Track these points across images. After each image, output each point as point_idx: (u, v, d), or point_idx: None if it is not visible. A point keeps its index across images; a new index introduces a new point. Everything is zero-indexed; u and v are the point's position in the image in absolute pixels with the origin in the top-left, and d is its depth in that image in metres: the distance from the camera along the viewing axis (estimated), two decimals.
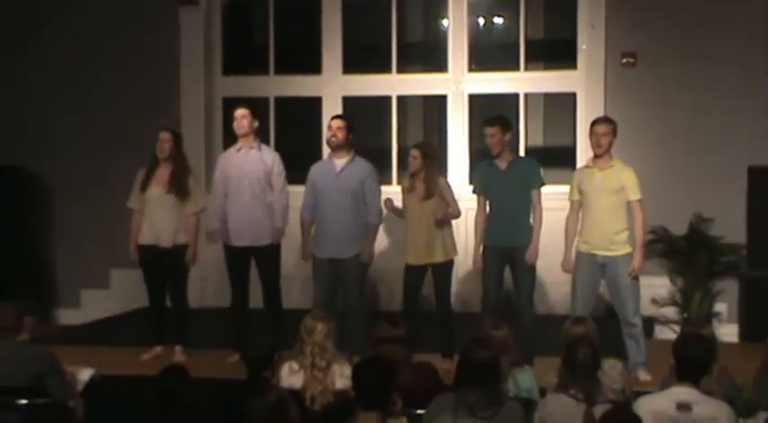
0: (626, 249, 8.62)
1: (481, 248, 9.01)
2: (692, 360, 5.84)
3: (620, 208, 8.64)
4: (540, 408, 5.98)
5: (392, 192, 10.43)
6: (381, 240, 9.30)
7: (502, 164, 8.96)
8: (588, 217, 8.69)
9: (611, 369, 6.35)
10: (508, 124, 9.08)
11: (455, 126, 11.55)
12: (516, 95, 11.39)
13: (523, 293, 8.95)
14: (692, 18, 10.71)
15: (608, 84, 10.94)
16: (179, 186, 9.30)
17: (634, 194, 8.65)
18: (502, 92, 11.50)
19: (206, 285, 11.17)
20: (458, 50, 11.52)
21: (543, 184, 9.00)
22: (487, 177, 9.03)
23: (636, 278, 8.62)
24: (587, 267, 8.67)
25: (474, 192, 9.19)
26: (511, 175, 8.94)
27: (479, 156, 11.07)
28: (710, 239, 10.47)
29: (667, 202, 10.33)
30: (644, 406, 5.75)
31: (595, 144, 8.63)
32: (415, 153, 9.09)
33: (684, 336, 6.38)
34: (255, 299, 9.49)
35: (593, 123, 8.73)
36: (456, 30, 11.52)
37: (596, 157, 8.68)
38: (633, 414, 5.36)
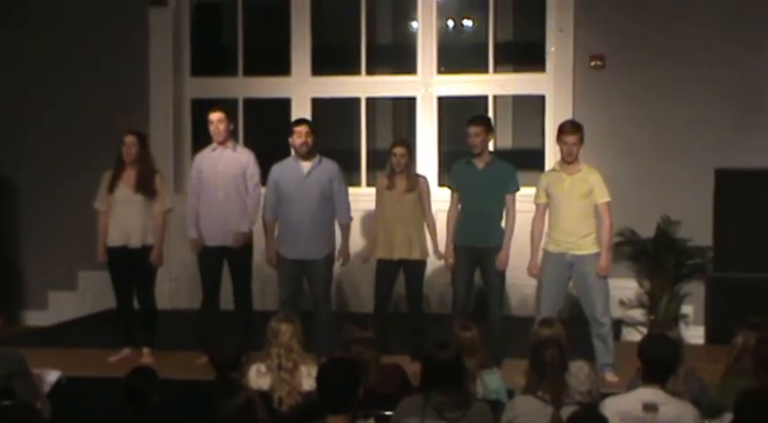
0: (594, 249, 8.67)
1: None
2: (658, 361, 5.86)
3: (588, 211, 8.70)
4: (508, 409, 5.97)
5: (361, 193, 10.49)
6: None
7: (479, 164, 8.99)
8: (556, 220, 8.73)
9: (578, 371, 6.38)
10: (491, 125, 9.17)
11: (424, 128, 11.57)
12: (485, 98, 11.41)
13: (493, 295, 8.99)
14: (661, 21, 10.76)
15: (576, 86, 10.97)
16: (146, 186, 9.28)
17: (602, 197, 8.70)
18: (471, 94, 11.52)
19: (178, 287, 11.15)
20: (427, 53, 11.54)
21: (518, 189, 9.04)
22: (463, 175, 9.07)
23: (605, 278, 8.66)
24: (555, 267, 8.71)
25: (448, 187, 9.22)
26: (487, 175, 8.97)
27: (449, 157, 11.13)
28: (678, 242, 10.52)
29: (635, 205, 10.38)
30: (611, 407, 5.76)
31: (567, 153, 8.65)
32: (401, 151, 9.16)
33: (650, 337, 6.40)
34: (228, 300, 9.48)
35: (562, 132, 8.71)
36: (425, 32, 11.54)
37: (565, 162, 8.71)
38: (600, 415, 5.37)
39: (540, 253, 8.83)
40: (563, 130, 8.73)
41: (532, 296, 9.12)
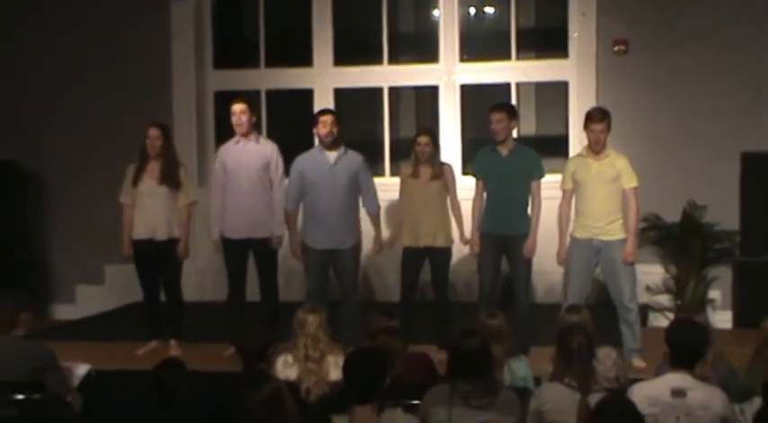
0: (621, 235, 8.65)
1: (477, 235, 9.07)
2: (686, 346, 5.85)
3: (615, 196, 8.67)
4: (536, 396, 5.97)
5: (385, 182, 10.50)
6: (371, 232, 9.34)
7: (504, 150, 8.99)
8: (584, 205, 8.71)
9: (605, 357, 6.37)
10: (514, 112, 9.17)
11: (447, 116, 11.57)
12: (508, 85, 11.40)
13: (519, 282, 8.99)
14: (682, 5, 10.74)
15: (600, 72, 10.95)
16: (171, 178, 9.30)
17: (629, 182, 8.68)
18: (493, 82, 11.50)
19: (204, 279, 11.16)
20: (449, 41, 11.53)
21: (543, 176, 9.02)
22: (488, 163, 9.07)
23: (632, 264, 8.64)
24: (583, 253, 8.69)
25: (473, 175, 9.22)
26: (512, 162, 8.96)
27: (472, 145, 11.12)
28: (704, 226, 10.49)
29: (661, 190, 10.35)
30: (639, 393, 5.75)
31: (594, 141, 8.62)
32: (425, 140, 9.17)
33: (677, 322, 6.39)
34: (254, 292, 9.49)
35: (590, 119, 8.66)
36: (447, 20, 11.54)
37: (592, 149, 8.69)
38: (628, 401, 5.33)
39: (567, 239, 8.81)
40: (591, 117, 8.69)
41: (559, 283, 9.10)
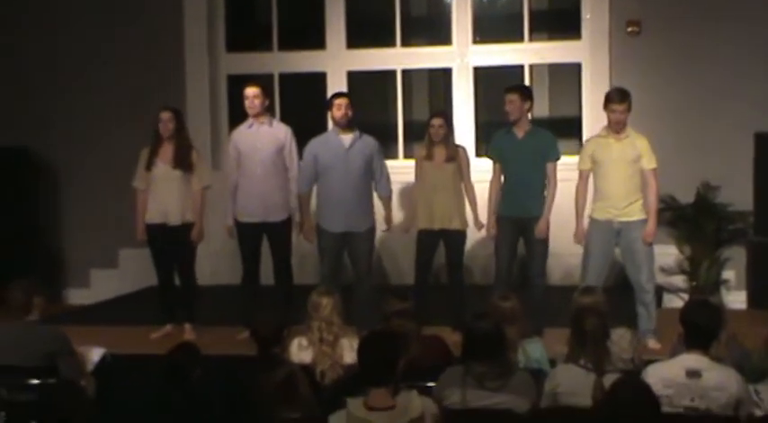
0: (641, 215, 8.66)
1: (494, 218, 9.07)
2: (700, 327, 5.84)
3: (635, 176, 8.68)
4: (551, 378, 5.98)
5: (399, 165, 10.51)
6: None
7: (519, 132, 8.99)
8: (604, 186, 8.69)
9: (620, 338, 6.39)
10: (528, 93, 9.15)
11: (461, 99, 11.55)
12: (521, 67, 11.38)
13: (535, 264, 9.01)
14: None
15: (613, 53, 10.92)
16: (184, 161, 9.32)
17: (649, 163, 8.68)
18: (507, 64, 11.48)
19: (218, 262, 11.17)
20: (462, 23, 11.51)
21: (559, 158, 9.02)
22: (504, 145, 9.07)
23: (650, 245, 8.64)
24: (602, 235, 8.68)
25: (490, 157, 9.22)
26: (527, 144, 8.96)
27: (485, 128, 11.12)
28: (718, 207, 10.47)
29: (674, 171, 10.31)
30: (654, 374, 5.75)
31: (615, 121, 8.60)
32: (438, 122, 9.19)
33: (692, 303, 6.40)
34: (268, 275, 9.51)
35: (610, 100, 8.64)
36: (459, 2, 11.51)
37: (612, 130, 8.67)
38: (643, 382, 5.34)
39: (586, 220, 8.80)
40: (611, 98, 8.67)
41: (576, 266, 9.09)
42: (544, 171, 8.97)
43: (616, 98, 8.64)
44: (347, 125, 9.07)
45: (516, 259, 9.15)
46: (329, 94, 10.06)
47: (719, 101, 10.65)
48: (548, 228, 8.93)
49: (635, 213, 8.65)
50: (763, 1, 10.56)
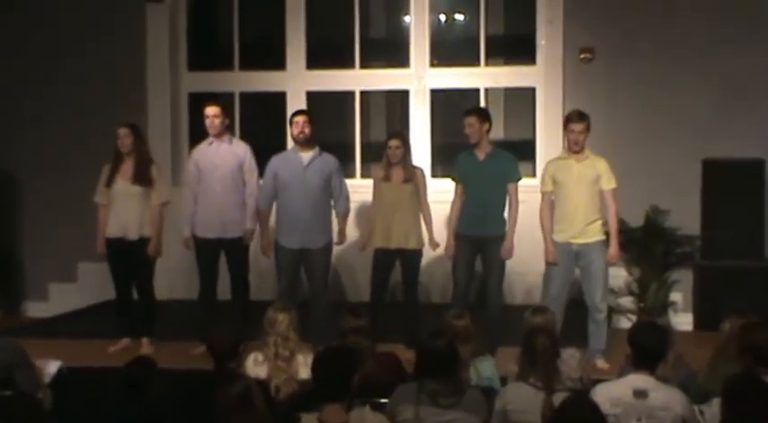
0: (599, 236, 8.82)
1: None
2: (648, 348, 5.93)
3: (595, 198, 8.83)
4: (501, 396, 6.03)
5: (356, 184, 10.60)
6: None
7: (480, 154, 9.13)
8: (565, 207, 8.84)
9: (569, 358, 6.49)
10: (486, 115, 9.27)
11: (418, 120, 11.66)
12: (477, 90, 11.51)
13: (492, 284, 9.11)
14: (649, 14, 10.87)
15: (566, 79, 11.07)
16: (143, 176, 9.39)
17: (609, 184, 8.86)
18: (463, 87, 11.61)
19: (176, 277, 11.21)
20: (420, 46, 11.63)
21: (520, 179, 9.17)
22: (466, 166, 9.20)
23: (613, 265, 8.81)
24: (563, 258, 8.81)
25: (453, 179, 9.34)
26: (488, 166, 9.10)
27: (442, 149, 11.24)
28: (666, 231, 10.61)
29: (624, 195, 10.38)
30: (601, 393, 5.83)
31: (573, 141, 8.77)
32: (396, 143, 9.29)
33: (640, 324, 6.50)
34: (225, 291, 9.60)
35: (570, 120, 8.83)
36: (417, 26, 11.63)
37: (571, 151, 8.84)
38: (591, 401, 5.41)
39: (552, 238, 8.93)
40: (570, 118, 8.85)
41: (537, 284, 9.19)
42: (505, 192, 9.10)
43: (575, 118, 8.82)
44: (305, 143, 9.20)
45: (474, 278, 9.26)
46: (289, 113, 10.15)
47: (669, 127, 10.82)
48: (512, 249, 9.06)
49: (593, 234, 8.80)
50: (712, 31, 10.77)
